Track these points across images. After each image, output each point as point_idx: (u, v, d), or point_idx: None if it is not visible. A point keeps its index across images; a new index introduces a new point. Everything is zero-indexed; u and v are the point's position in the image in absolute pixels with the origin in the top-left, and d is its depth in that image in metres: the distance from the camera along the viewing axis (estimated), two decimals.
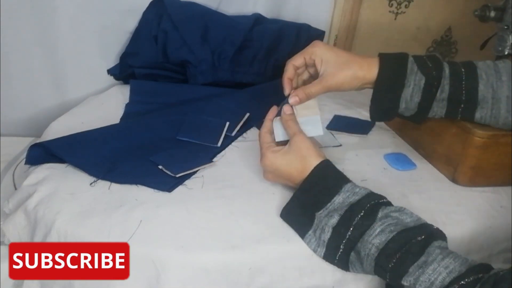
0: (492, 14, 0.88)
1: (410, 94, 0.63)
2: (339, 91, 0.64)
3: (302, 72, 0.67)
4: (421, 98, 0.63)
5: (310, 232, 0.54)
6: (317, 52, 0.63)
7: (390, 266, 0.47)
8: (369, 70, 0.62)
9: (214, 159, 0.70)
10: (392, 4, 1.16)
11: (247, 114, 0.81)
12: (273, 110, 0.65)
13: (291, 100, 0.62)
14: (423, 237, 0.48)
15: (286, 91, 0.64)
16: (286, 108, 0.63)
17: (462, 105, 0.63)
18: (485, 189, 0.68)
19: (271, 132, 0.63)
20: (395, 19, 1.19)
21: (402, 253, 0.47)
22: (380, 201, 0.53)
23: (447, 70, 0.63)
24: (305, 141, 0.58)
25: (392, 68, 0.63)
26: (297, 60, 0.64)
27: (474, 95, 0.62)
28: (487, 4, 0.89)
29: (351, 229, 0.51)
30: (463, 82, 0.63)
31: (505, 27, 0.86)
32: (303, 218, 0.55)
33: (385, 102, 0.64)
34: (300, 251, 0.54)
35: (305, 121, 0.63)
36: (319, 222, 0.53)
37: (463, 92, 0.63)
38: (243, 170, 0.67)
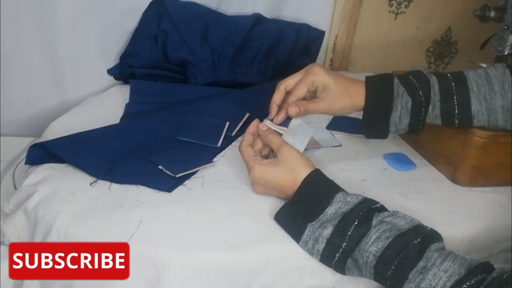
0: (492, 14, 0.88)
1: (399, 117, 0.63)
2: (335, 114, 0.66)
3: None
4: (410, 119, 0.63)
5: (300, 243, 0.54)
6: (319, 80, 0.63)
7: (389, 273, 0.47)
8: (361, 97, 0.63)
9: (214, 159, 0.70)
10: (392, 4, 1.16)
11: (247, 114, 0.81)
12: (254, 124, 0.63)
13: (292, 110, 0.61)
14: (419, 240, 0.48)
15: (272, 114, 0.64)
16: (261, 126, 0.62)
17: (457, 121, 0.63)
18: (485, 189, 0.68)
19: (251, 145, 0.62)
20: (395, 19, 1.19)
21: (400, 259, 0.47)
22: (373, 206, 0.52)
23: (436, 86, 0.63)
24: (292, 152, 0.58)
25: (379, 93, 0.63)
26: (301, 92, 0.63)
27: (467, 110, 0.62)
28: (487, 4, 0.89)
29: (347, 239, 0.50)
30: (455, 97, 0.62)
31: (505, 27, 0.87)
32: (294, 228, 0.54)
33: (375, 126, 0.65)
34: (300, 251, 0.54)
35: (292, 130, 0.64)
36: (312, 233, 0.53)
37: (456, 107, 0.62)
38: (243, 170, 0.67)
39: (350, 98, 0.63)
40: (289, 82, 0.65)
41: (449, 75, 0.64)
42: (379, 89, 0.63)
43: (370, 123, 0.65)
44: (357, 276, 0.52)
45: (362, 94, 0.63)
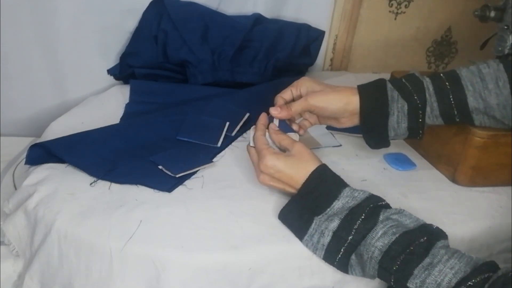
0: (492, 14, 0.88)
1: (396, 121, 0.63)
2: (321, 114, 0.65)
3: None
4: (408, 123, 0.63)
5: (306, 237, 0.54)
6: (302, 82, 0.66)
7: (394, 268, 0.47)
8: (352, 97, 0.63)
9: (214, 159, 0.70)
10: (392, 4, 1.16)
11: (247, 114, 0.81)
12: (264, 116, 0.64)
13: (273, 111, 0.63)
14: (425, 238, 0.48)
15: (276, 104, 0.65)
16: (272, 125, 0.63)
17: (458, 119, 0.63)
18: (485, 189, 0.68)
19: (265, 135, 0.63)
20: (395, 19, 1.19)
21: (406, 254, 0.47)
22: (379, 203, 0.53)
23: (430, 87, 0.63)
24: (306, 148, 0.59)
25: (373, 99, 0.63)
26: (285, 94, 0.66)
27: (465, 108, 0.62)
28: (487, 4, 0.89)
29: (353, 233, 0.51)
30: (451, 96, 0.62)
31: (505, 27, 0.86)
32: (300, 222, 0.55)
33: (374, 133, 0.65)
34: (300, 251, 0.54)
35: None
36: (318, 227, 0.53)
37: (453, 106, 0.62)
38: (243, 170, 0.67)
39: (335, 92, 0.64)
40: (282, 92, 0.67)
41: (442, 75, 0.63)
42: (373, 96, 0.63)
43: (369, 130, 0.65)
44: (359, 275, 0.52)
45: (350, 92, 0.64)
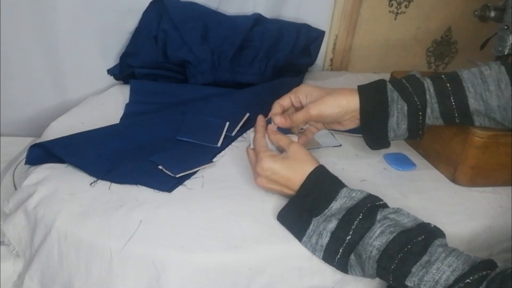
0: (492, 14, 0.88)
1: (396, 122, 0.63)
2: (324, 121, 0.65)
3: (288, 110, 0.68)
4: (408, 123, 0.63)
5: (304, 238, 0.54)
6: (301, 89, 0.65)
7: (392, 267, 0.47)
8: (352, 98, 0.63)
9: (214, 159, 0.70)
10: (392, 4, 1.16)
11: (247, 114, 0.81)
12: (261, 118, 0.65)
13: (277, 119, 0.63)
14: (423, 237, 0.48)
15: (273, 111, 0.65)
16: (271, 126, 0.63)
17: (458, 120, 0.63)
18: (485, 189, 0.68)
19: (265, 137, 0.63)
20: (395, 19, 1.19)
21: (404, 253, 0.47)
22: (377, 203, 0.53)
23: (431, 88, 0.63)
24: (302, 149, 0.59)
25: (373, 100, 0.63)
26: (284, 100, 0.66)
27: (466, 110, 0.62)
28: (487, 4, 0.89)
29: (351, 233, 0.51)
30: (452, 98, 0.62)
31: (505, 27, 0.86)
32: (298, 224, 0.55)
33: (374, 133, 0.65)
34: (300, 251, 0.54)
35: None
36: (316, 228, 0.53)
37: (454, 107, 0.62)
38: (243, 170, 0.67)
39: (334, 98, 0.63)
40: (281, 98, 0.67)
41: (443, 76, 0.63)
42: (373, 97, 0.63)
43: (368, 131, 0.65)
44: (359, 275, 0.52)
45: (349, 95, 0.63)
